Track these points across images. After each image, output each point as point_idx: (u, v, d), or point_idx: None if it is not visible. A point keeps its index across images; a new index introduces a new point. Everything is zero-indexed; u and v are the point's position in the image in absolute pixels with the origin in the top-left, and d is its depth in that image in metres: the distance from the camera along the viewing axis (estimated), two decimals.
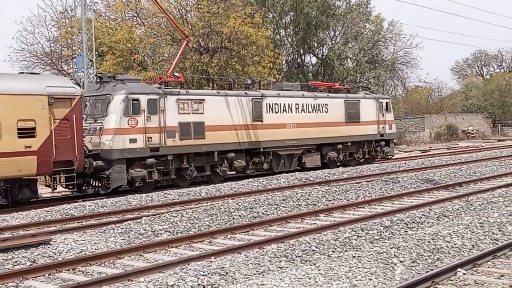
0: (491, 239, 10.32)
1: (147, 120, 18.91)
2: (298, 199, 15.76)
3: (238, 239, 11.48)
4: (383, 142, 28.24)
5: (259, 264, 9.00)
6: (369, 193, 16.92)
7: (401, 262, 8.76)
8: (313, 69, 48.43)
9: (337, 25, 47.71)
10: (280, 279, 8.02)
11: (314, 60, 49.04)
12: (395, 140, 30.51)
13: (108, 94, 18.83)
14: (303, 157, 24.44)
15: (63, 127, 16.59)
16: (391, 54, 53.52)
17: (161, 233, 11.91)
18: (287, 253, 9.56)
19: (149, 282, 8.08)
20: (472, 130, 56.75)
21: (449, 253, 9.42)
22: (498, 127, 62.87)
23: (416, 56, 67.32)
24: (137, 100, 18.79)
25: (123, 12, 33.73)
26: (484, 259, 8.85)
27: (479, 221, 11.50)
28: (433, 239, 9.93)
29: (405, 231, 11.31)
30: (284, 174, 21.49)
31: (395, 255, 9.01)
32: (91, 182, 18.88)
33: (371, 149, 27.75)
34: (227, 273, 8.46)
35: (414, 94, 61.64)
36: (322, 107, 25.21)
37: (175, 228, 12.26)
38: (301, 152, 24.34)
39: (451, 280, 7.97)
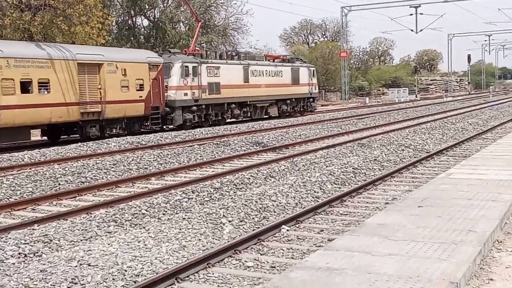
0: (313, 197, 10.98)
1: (192, 80, 27.29)
2: (129, 163, 15.48)
3: (64, 206, 10.99)
4: (312, 99, 39.05)
5: (86, 230, 8.70)
6: (200, 156, 17.10)
7: (229, 221, 8.99)
8: (145, 31, 47.52)
9: None
10: (108, 244, 7.85)
11: (146, 22, 48.08)
12: (316, 98, 41.40)
13: (170, 62, 26.62)
14: (268, 108, 34.00)
15: (154, 84, 24.95)
16: (223, 19, 54.15)
17: None
18: (116, 217, 9.35)
19: None
20: None
21: (275, 212, 9.86)
22: (322, 93, 66.69)
23: (247, 22, 69.04)
24: (187, 66, 27.11)
25: None
26: (306, 216, 9.38)
27: (303, 180, 12.15)
28: (260, 199, 10.31)
29: (234, 192, 11.60)
30: (115, 138, 21.35)
31: (224, 215, 9.22)
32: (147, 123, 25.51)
33: (305, 104, 38.16)
34: (51, 241, 8.08)
35: None
36: (279, 73, 34.82)
37: None
38: (268, 105, 33.83)
39: (276, 237, 8.35)
